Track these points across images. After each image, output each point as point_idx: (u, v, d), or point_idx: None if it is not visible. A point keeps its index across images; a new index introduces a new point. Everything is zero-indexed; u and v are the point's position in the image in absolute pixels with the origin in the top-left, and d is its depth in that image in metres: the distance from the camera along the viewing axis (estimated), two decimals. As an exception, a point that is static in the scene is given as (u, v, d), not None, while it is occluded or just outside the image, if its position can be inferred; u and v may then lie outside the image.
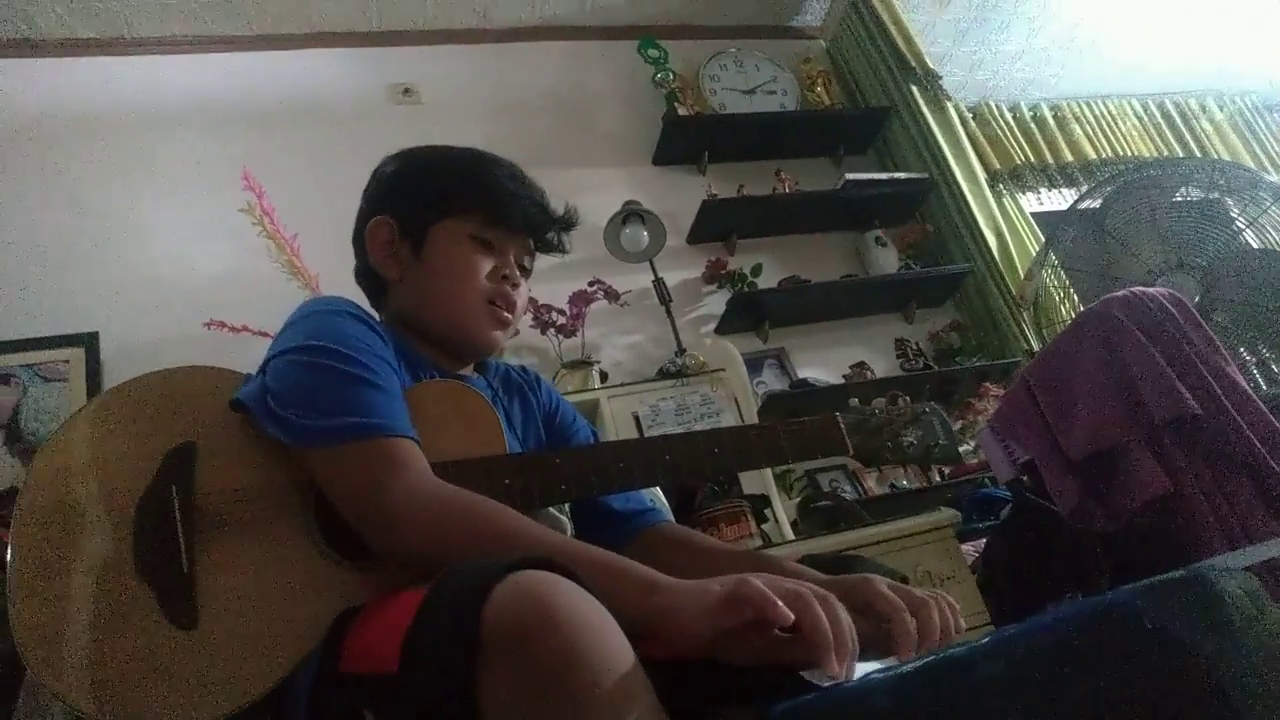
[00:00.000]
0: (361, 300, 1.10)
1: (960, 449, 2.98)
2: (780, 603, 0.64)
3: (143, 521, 0.82)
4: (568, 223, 1.19)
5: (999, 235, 3.38)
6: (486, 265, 1.10)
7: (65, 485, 0.83)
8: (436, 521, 0.80)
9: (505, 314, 1.11)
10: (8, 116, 2.86)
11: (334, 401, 0.86)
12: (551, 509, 1.03)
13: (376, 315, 1.08)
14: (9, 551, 0.79)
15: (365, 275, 1.16)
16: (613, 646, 0.57)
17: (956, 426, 2.98)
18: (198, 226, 2.82)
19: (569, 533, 1.07)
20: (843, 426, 1.06)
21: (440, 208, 1.10)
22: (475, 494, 0.83)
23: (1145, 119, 4.59)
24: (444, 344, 1.11)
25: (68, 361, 2.52)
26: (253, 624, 0.79)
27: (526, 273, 1.17)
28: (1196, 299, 2.38)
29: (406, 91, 3.33)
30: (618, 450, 1.04)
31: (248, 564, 0.82)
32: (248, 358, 1.00)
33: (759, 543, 2.11)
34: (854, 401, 1.11)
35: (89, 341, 2.55)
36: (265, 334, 2.24)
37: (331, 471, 0.85)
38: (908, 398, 1.12)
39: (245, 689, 0.75)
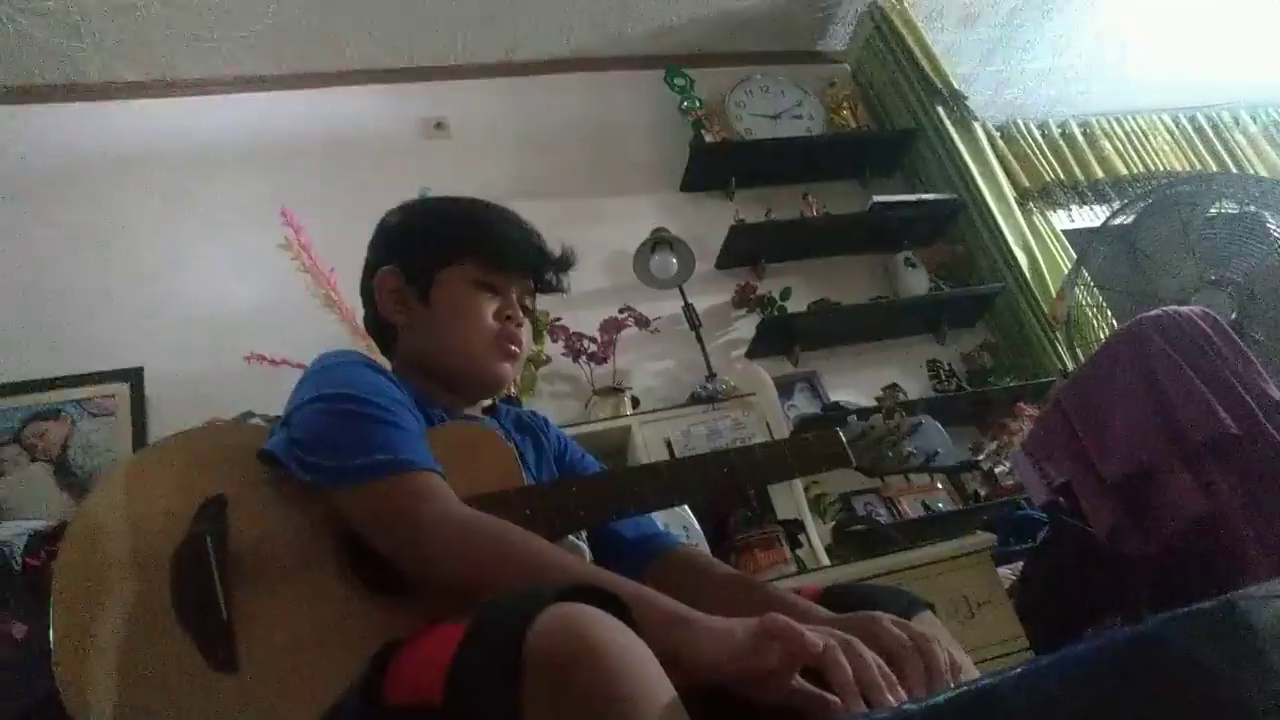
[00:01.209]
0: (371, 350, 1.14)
1: (997, 469, 2.97)
2: (809, 633, 0.66)
3: (179, 571, 0.84)
4: (565, 263, 1.24)
5: (1030, 254, 3.35)
6: (490, 307, 1.14)
7: (102, 542, 0.86)
8: (469, 547, 0.82)
9: (512, 346, 1.15)
10: (55, 159, 2.96)
11: (359, 443, 0.89)
12: (570, 536, 1.05)
13: (386, 364, 1.13)
14: (50, 608, 0.82)
15: (374, 324, 1.21)
16: (651, 677, 0.59)
17: (991, 448, 2.95)
18: (238, 262, 2.89)
19: (588, 559, 1.09)
20: (844, 440, 1.11)
21: (443, 255, 1.14)
22: (504, 520, 0.85)
23: (1177, 133, 4.53)
24: (455, 385, 1.15)
25: (114, 396, 2.58)
26: (293, 663, 0.80)
27: (530, 312, 1.22)
28: (1233, 315, 2.35)
29: (438, 126, 3.39)
30: (632, 476, 1.07)
31: (284, 606, 0.84)
32: (287, 390, 1.03)
33: (794, 569, 2.10)
34: (853, 418, 1.15)
35: (134, 376, 2.62)
36: (304, 366, 2.30)
37: (363, 509, 0.88)
38: (903, 411, 1.17)
39: None
